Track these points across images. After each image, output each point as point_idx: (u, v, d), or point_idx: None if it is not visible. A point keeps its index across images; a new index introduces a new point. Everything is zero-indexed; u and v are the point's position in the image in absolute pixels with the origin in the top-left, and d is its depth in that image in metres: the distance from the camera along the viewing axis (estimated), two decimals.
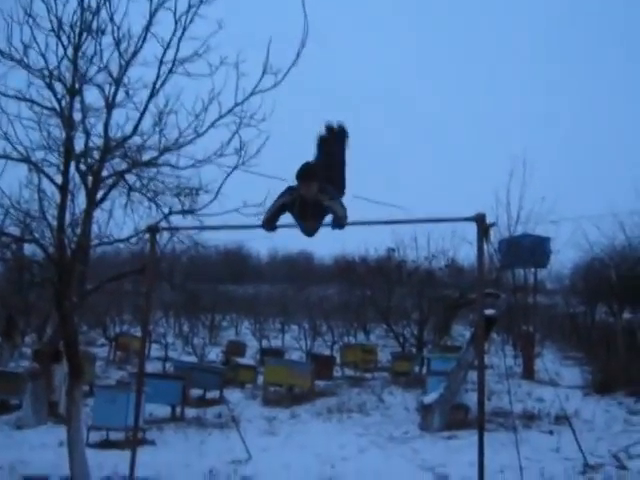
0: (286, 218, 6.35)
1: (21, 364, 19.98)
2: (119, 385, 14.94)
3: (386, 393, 18.50)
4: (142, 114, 7.74)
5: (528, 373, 20.88)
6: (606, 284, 24.96)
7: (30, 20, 7.26)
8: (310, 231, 6.28)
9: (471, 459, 5.55)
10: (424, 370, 20.53)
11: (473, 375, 12.47)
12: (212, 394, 17.41)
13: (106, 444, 11.49)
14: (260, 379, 19.47)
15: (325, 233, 6.32)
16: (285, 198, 6.13)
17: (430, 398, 13.36)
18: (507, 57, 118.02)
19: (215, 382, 17.29)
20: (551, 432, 12.33)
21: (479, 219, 5.19)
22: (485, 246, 5.55)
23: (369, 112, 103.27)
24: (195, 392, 17.18)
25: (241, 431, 11.26)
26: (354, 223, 6.09)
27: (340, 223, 5.85)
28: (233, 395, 17.79)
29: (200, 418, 14.71)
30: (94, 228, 8.10)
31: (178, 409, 14.85)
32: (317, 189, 5.82)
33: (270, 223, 6.22)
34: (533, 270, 24.18)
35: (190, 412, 15.16)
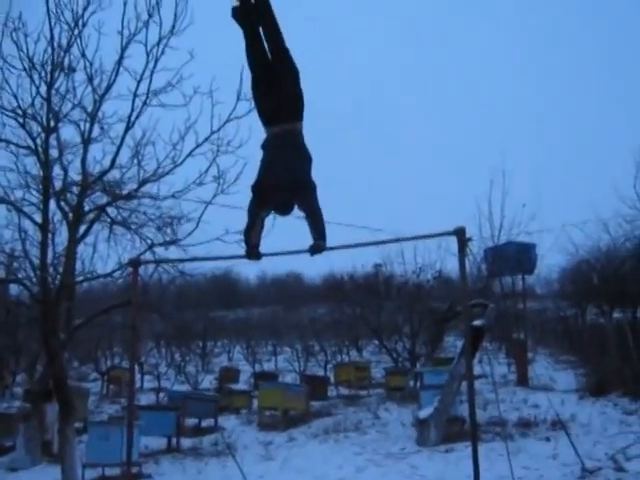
0: (270, 245, 5.85)
1: (13, 404, 19.76)
2: (112, 420, 14.83)
3: (382, 410, 18.43)
4: (119, 148, 7.81)
5: (522, 380, 20.89)
6: (593, 286, 25.08)
7: (0, 61, 7.30)
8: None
9: (470, 471, 5.54)
10: (419, 384, 20.48)
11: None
12: (207, 422, 17.29)
13: None
14: (255, 404, 19.37)
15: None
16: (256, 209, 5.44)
17: (425, 413, 13.34)
18: (481, 64, 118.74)
19: (209, 410, 17.17)
20: (548, 439, 12.32)
21: (458, 232, 5.23)
22: (467, 258, 5.59)
23: (344, 130, 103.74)
24: (190, 421, 17.05)
25: (238, 458, 11.17)
26: (338, 247, 5.77)
27: (318, 249, 5.37)
28: (228, 422, 17.69)
29: (196, 448, 14.60)
30: (78, 264, 8.12)
31: (174, 440, 14.75)
32: None
33: (254, 251, 5.54)
34: (521, 277, 24.31)
35: (186, 442, 15.05)
